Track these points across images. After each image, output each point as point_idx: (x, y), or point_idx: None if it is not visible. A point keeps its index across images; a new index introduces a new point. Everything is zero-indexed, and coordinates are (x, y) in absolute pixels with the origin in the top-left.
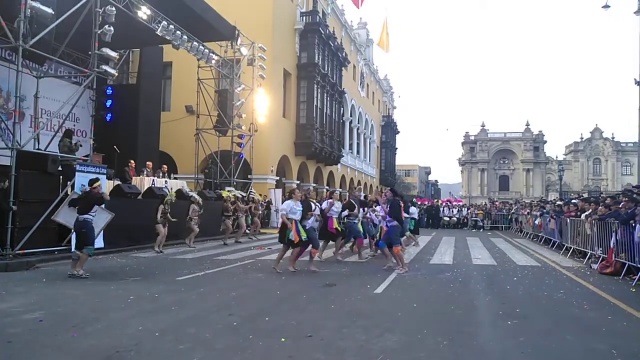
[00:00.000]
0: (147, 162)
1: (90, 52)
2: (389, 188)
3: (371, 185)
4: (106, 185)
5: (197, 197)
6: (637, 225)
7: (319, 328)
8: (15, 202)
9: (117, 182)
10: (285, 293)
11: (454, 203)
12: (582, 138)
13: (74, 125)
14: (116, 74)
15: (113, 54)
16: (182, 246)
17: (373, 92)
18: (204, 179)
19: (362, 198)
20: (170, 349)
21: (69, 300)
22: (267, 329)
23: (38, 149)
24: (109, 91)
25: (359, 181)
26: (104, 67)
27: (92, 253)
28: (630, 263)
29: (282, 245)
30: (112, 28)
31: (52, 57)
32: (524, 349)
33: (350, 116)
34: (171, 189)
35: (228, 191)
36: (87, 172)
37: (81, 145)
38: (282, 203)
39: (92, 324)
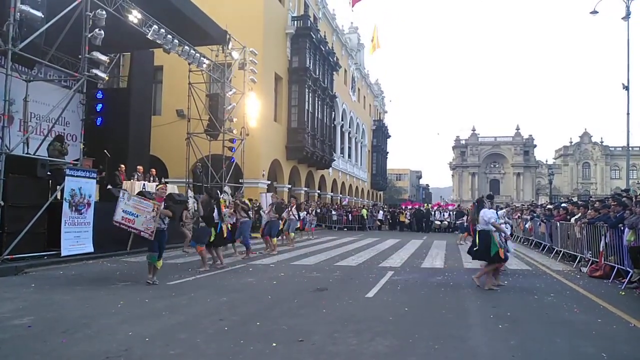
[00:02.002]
0: (138, 167)
1: (80, 56)
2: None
3: (362, 190)
4: (96, 189)
5: (190, 204)
6: (626, 228)
7: (310, 333)
8: (3, 208)
9: (108, 187)
10: (277, 298)
11: (449, 207)
12: (571, 142)
13: (64, 129)
14: (107, 78)
15: (103, 57)
16: (173, 251)
17: (364, 97)
18: (194, 183)
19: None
20: (160, 355)
21: (58, 306)
22: (258, 333)
23: (27, 153)
24: (99, 95)
25: (350, 185)
26: (95, 70)
27: (151, 260)
28: (619, 266)
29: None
30: (102, 32)
31: (41, 61)
32: (515, 353)
33: (342, 120)
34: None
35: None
36: (77, 176)
37: (68, 145)
38: (485, 213)
39: (82, 329)
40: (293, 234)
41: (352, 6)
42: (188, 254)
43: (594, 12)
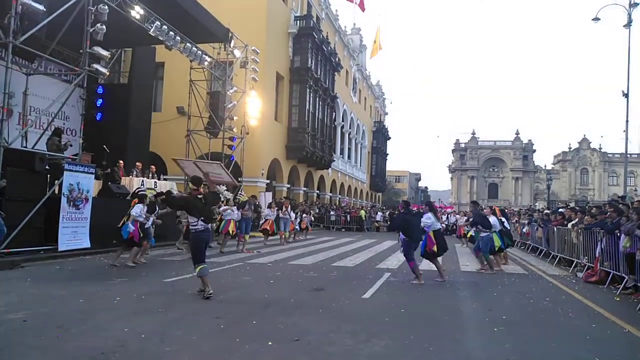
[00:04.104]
0: (137, 163)
1: (81, 50)
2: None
3: (361, 191)
4: (94, 185)
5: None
6: (622, 235)
7: (306, 332)
8: (1, 201)
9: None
10: (273, 297)
11: (447, 210)
12: (570, 148)
13: (64, 124)
14: (107, 73)
15: (105, 52)
16: (170, 248)
17: (365, 98)
18: None
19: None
20: (156, 351)
21: (54, 301)
22: (253, 332)
23: (25, 147)
24: (100, 90)
25: (349, 186)
26: (95, 65)
27: (199, 274)
28: (615, 272)
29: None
30: (104, 27)
31: (42, 55)
32: (509, 356)
33: (342, 121)
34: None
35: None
36: (76, 171)
37: (71, 145)
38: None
39: (77, 325)
40: (287, 233)
41: (363, 10)
42: (184, 251)
43: (596, 19)
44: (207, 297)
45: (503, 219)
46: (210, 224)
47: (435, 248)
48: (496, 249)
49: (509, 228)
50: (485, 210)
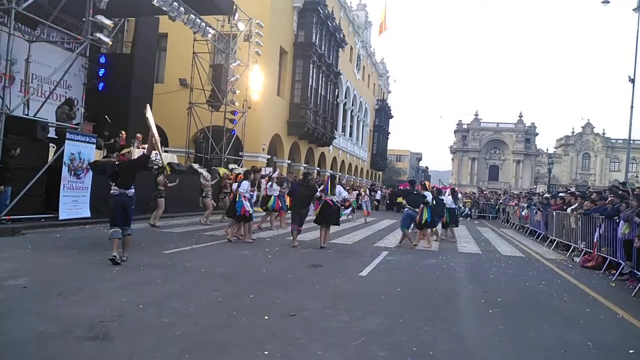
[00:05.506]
0: (137, 135)
1: (84, 19)
2: None
3: (362, 169)
4: (95, 155)
5: (205, 173)
6: (621, 221)
7: (303, 308)
8: (2, 168)
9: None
10: (271, 272)
11: (446, 190)
12: (573, 132)
13: (66, 93)
14: (110, 43)
15: (108, 21)
16: (171, 219)
17: (369, 75)
18: (195, 154)
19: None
20: (153, 322)
21: (54, 269)
22: (251, 306)
23: (27, 114)
24: (102, 60)
25: (350, 164)
26: (98, 34)
27: (109, 236)
28: (611, 258)
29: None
30: None
31: (45, 22)
32: (503, 337)
33: (345, 98)
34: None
35: (230, 170)
36: (77, 140)
37: (78, 109)
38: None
39: (77, 293)
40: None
41: None
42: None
43: (606, 1)
44: (110, 259)
45: (443, 197)
46: (127, 190)
47: (315, 214)
48: (423, 221)
49: (455, 207)
50: (417, 187)
